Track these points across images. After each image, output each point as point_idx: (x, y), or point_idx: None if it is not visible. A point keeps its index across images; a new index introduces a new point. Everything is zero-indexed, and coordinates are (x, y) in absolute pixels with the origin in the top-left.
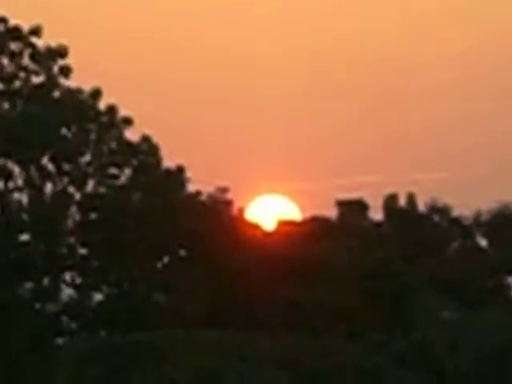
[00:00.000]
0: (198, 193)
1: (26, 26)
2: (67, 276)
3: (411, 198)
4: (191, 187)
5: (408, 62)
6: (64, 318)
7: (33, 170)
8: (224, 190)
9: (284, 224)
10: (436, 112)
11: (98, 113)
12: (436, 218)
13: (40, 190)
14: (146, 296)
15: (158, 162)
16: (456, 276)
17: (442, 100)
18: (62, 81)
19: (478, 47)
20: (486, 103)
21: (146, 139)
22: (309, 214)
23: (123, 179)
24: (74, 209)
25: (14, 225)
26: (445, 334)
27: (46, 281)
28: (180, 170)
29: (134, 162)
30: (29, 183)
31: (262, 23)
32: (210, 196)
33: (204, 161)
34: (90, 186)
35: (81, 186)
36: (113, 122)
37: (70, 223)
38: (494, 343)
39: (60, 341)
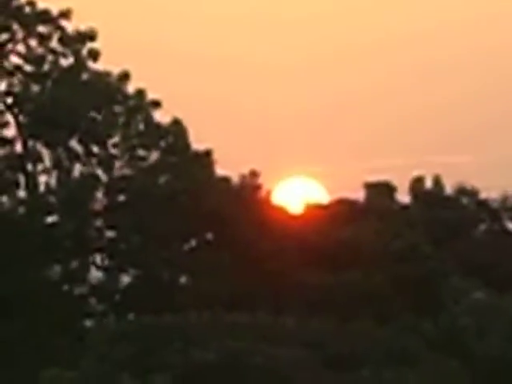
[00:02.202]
0: (226, 176)
1: (55, 9)
2: (96, 258)
3: (438, 181)
4: (219, 170)
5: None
6: (92, 300)
7: (61, 152)
8: (255, 174)
9: (311, 207)
10: (462, 93)
11: (126, 96)
12: (464, 200)
13: (68, 172)
14: (173, 279)
15: (187, 144)
16: (484, 259)
17: (468, 81)
18: (91, 64)
19: None
20: None
21: (175, 122)
22: (336, 196)
23: (151, 161)
24: (101, 191)
25: (43, 207)
26: (474, 317)
27: (74, 263)
28: (208, 153)
29: (163, 144)
30: (57, 165)
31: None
32: (241, 179)
33: (232, 143)
34: (118, 168)
35: (108, 168)
36: (141, 104)
37: (97, 205)
38: None
39: (88, 323)
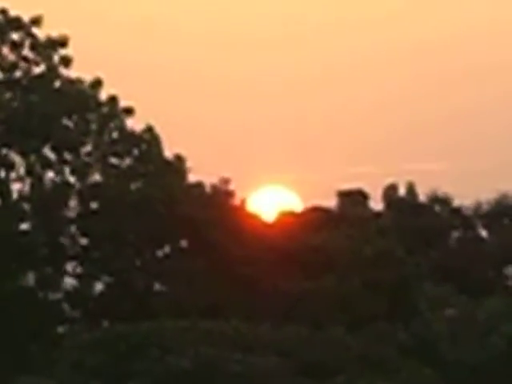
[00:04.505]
0: (200, 183)
1: (26, 17)
2: (69, 265)
3: (411, 188)
4: (193, 177)
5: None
6: (66, 307)
7: (34, 160)
8: (226, 180)
9: (285, 214)
10: (436, 103)
11: (99, 103)
12: (437, 208)
13: (41, 179)
14: (147, 286)
15: (160, 151)
16: (457, 266)
17: (442, 90)
18: (63, 71)
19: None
20: (488, 96)
21: (148, 129)
22: (310, 204)
23: (124, 169)
24: (74, 198)
25: (16, 214)
26: (447, 323)
27: (48, 270)
28: (181, 159)
29: (135, 151)
30: (30, 173)
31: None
32: (213, 186)
33: (206, 151)
34: (91, 175)
35: (82, 176)
36: (114, 112)
37: (70, 213)
38: (496, 333)
39: (62, 329)
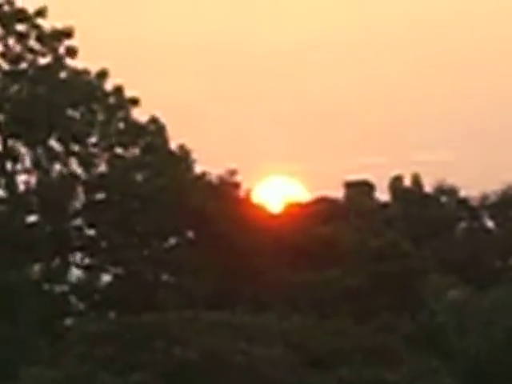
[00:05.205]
0: (205, 174)
1: (31, 8)
2: (76, 257)
3: (416, 179)
4: (199, 168)
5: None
6: (72, 299)
7: (40, 151)
8: (233, 172)
9: (291, 205)
10: (441, 93)
11: (105, 93)
12: (443, 198)
13: (47, 171)
14: (154, 277)
15: (165, 142)
16: (463, 257)
17: (447, 81)
18: (69, 62)
19: None
20: (497, 87)
21: (153, 120)
22: (316, 195)
23: (130, 159)
24: (81, 189)
25: (22, 206)
26: (453, 314)
27: (54, 262)
28: (185, 150)
29: (141, 142)
30: (36, 164)
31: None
32: (219, 178)
33: (212, 142)
34: (97, 166)
35: (88, 167)
36: (120, 102)
37: (77, 204)
38: (502, 324)
39: (69, 321)
